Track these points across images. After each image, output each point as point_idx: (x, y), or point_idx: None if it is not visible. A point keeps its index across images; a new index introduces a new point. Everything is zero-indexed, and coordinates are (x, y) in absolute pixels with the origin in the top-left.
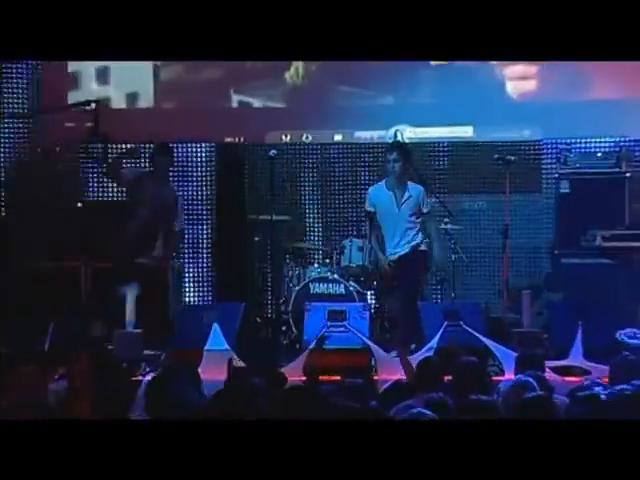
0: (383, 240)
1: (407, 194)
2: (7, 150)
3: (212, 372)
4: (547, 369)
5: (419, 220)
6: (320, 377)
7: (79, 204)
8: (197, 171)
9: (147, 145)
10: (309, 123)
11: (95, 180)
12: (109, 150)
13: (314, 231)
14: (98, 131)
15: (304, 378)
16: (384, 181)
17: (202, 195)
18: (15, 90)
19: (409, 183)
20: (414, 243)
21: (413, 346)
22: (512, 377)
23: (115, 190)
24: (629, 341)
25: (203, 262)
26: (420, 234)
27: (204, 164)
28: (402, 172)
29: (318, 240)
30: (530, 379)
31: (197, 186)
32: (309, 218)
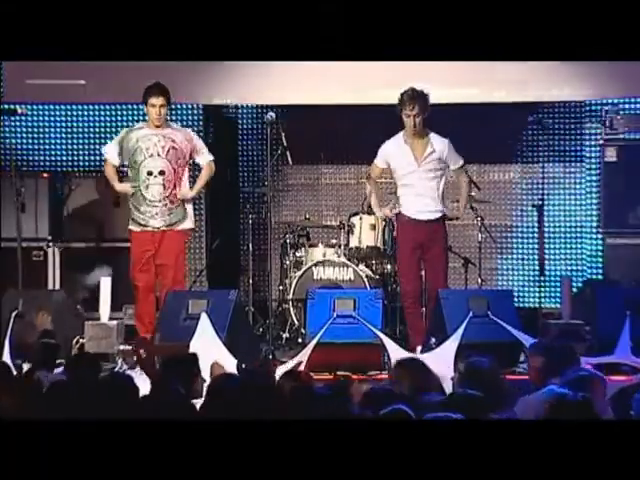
0: (407, 201)
1: (429, 149)
2: None
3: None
4: (589, 367)
5: (442, 180)
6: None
7: None
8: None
9: None
10: None
11: None
12: None
13: (319, 206)
14: None
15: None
16: (401, 134)
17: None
18: None
19: (431, 135)
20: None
21: (433, 340)
22: None
23: None
24: None
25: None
26: (442, 200)
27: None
28: (423, 125)
29: (324, 216)
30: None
31: None
32: (313, 191)
